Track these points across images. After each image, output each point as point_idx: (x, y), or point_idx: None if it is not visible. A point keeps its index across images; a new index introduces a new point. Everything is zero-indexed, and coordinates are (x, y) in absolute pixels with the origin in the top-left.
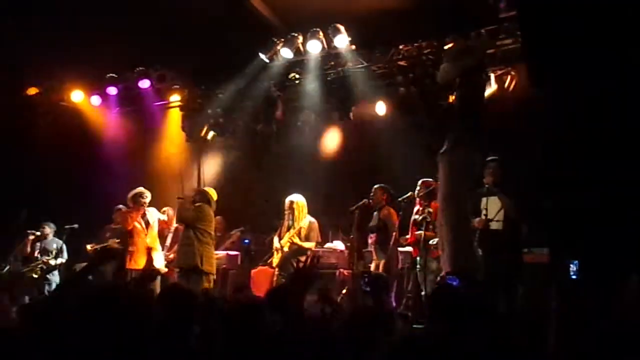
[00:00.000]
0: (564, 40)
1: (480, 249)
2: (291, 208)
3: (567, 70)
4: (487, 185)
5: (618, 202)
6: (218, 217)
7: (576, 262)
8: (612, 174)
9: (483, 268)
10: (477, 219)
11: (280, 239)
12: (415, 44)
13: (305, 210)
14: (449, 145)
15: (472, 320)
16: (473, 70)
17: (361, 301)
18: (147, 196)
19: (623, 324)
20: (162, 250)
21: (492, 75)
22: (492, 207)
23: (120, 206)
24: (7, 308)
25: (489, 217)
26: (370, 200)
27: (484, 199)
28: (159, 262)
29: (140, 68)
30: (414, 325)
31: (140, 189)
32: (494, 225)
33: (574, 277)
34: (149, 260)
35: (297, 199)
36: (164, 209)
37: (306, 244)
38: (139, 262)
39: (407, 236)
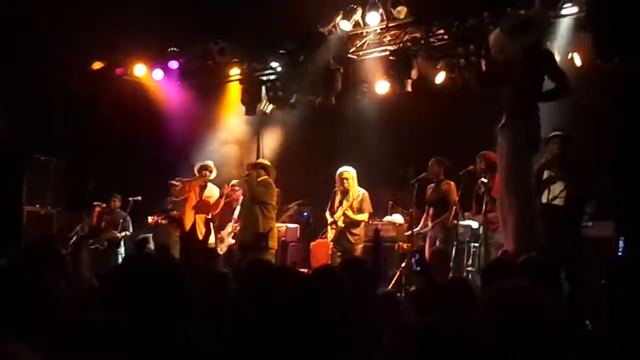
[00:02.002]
0: (630, 11)
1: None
2: (342, 180)
3: (634, 42)
4: (548, 159)
5: None
6: (276, 190)
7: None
8: None
9: (545, 246)
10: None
11: (332, 212)
12: (476, 16)
13: (356, 180)
14: (508, 118)
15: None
16: (534, 46)
17: (413, 281)
18: (212, 170)
19: None
20: (231, 222)
21: (556, 45)
22: (555, 184)
23: (175, 180)
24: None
25: (551, 193)
26: (433, 172)
27: (546, 173)
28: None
29: (201, 43)
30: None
31: (208, 162)
32: (556, 202)
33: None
34: (207, 233)
35: (347, 170)
36: (233, 181)
37: (359, 217)
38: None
39: (470, 212)
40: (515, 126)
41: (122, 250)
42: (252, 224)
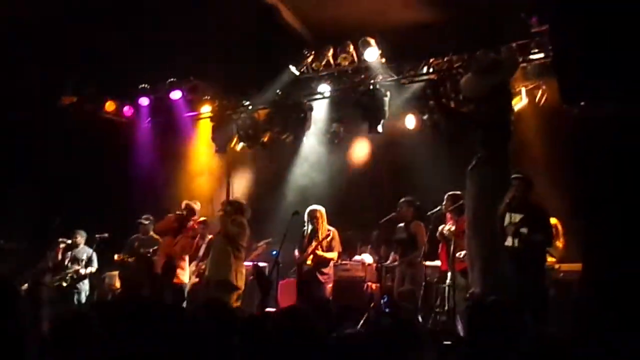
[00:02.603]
0: (596, 57)
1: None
2: (311, 218)
3: (598, 87)
4: (509, 202)
5: None
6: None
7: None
8: None
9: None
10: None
11: (300, 251)
12: (446, 58)
13: (325, 219)
14: (478, 160)
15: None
16: (502, 86)
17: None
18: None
19: None
20: (195, 260)
21: (523, 89)
22: (517, 227)
23: (144, 218)
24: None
25: (514, 236)
26: (404, 212)
27: (507, 216)
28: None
29: (172, 79)
30: (444, 342)
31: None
32: (518, 245)
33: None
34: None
35: (317, 208)
36: (201, 218)
37: (328, 255)
38: None
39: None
40: (484, 168)
41: (86, 287)
42: (223, 263)
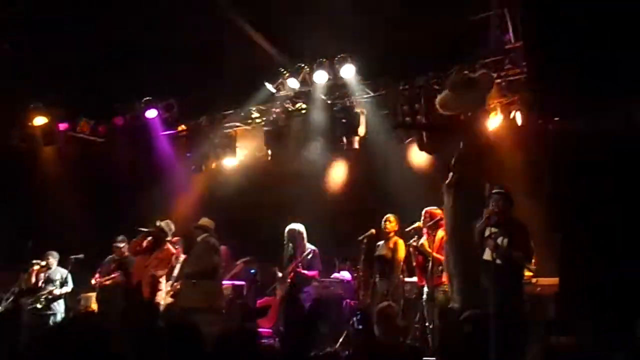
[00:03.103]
0: (570, 73)
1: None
2: (292, 237)
3: (572, 103)
4: (488, 216)
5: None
6: (223, 247)
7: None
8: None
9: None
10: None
11: (281, 269)
12: (422, 75)
13: (305, 238)
14: (455, 176)
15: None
16: (477, 104)
17: (353, 338)
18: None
19: None
20: (170, 280)
21: (498, 105)
22: (496, 241)
23: (119, 240)
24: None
25: (493, 251)
26: (383, 229)
27: (487, 230)
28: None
29: (148, 98)
30: (425, 358)
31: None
32: (497, 260)
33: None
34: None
35: (297, 227)
36: (175, 238)
37: (309, 273)
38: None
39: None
40: (461, 184)
41: (61, 308)
42: (195, 285)
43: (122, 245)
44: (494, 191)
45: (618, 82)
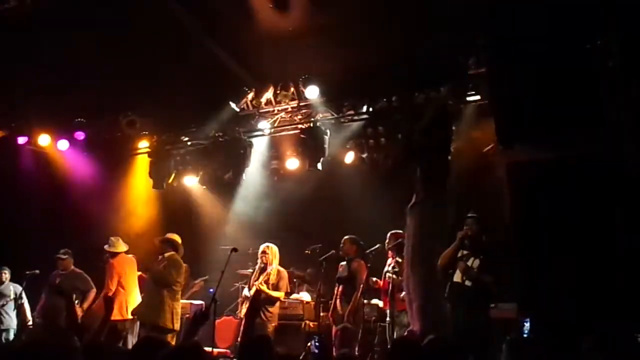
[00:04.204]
0: (532, 101)
1: (450, 303)
2: (264, 254)
3: (534, 130)
4: (462, 238)
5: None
6: (184, 265)
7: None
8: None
9: (452, 323)
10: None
11: (249, 287)
12: (385, 98)
13: (277, 258)
14: (418, 198)
15: None
16: (436, 124)
17: None
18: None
19: None
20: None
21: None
22: (467, 264)
23: (63, 252)
24: None
25: (463, 273)
26: (340, 252)
27: (460, 253)
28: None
29: (110, 113)
30: None
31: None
32: (466, 282)
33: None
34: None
35: (268, 245)
36: (130, 255)
37: (275, 293)
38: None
39: (377, 279)
40: (424, 206)
41: (14, 324)
42: (154, 304)
43: (65, 257)
44: (468, 215)
45: (575, 111)
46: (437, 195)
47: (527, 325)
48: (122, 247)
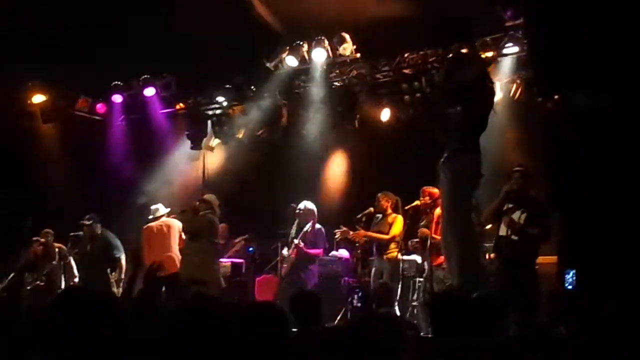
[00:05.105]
0: (571, 49)
1: (496, 257)
2: (299, 214)
3: (573, 80)
4: (507, 192)
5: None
6: (223, 225)
7: (573, 271)
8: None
9: (498, 278)
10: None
11: (288, 247)
12: (421, 52)
13: (314, 216)
14: (450, 153)
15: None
16: (475, 80)
17: (351, 316)
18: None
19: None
20: None
21: (498, 83)
22: (513, 218)
23: (87, 217)
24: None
25: (509, 227)
26: (375, 208)
27: (505, 207)
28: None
29: (146, 76)
30: (422, 334)
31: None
32: (513, 237)
33: (569, 287)
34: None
35: (305, 205)
36: (171, 216)
37: (313, 251)
38: None
39: (415, 240)
40: (456, 162)
41: (62, 284)
42: (192, 257)
43: (89, 222)
44: (514, 169)
45: (617, 56)
46: (471, 149)
47: (570, 277)
48: (163, 210)
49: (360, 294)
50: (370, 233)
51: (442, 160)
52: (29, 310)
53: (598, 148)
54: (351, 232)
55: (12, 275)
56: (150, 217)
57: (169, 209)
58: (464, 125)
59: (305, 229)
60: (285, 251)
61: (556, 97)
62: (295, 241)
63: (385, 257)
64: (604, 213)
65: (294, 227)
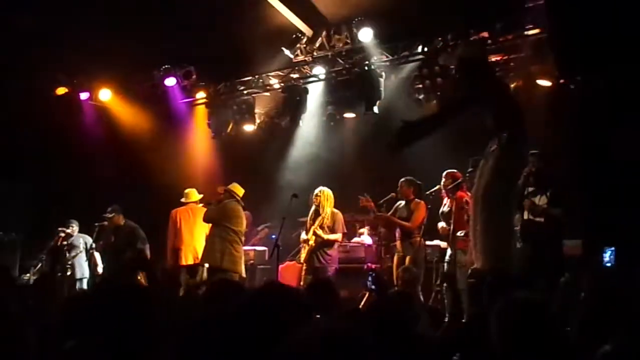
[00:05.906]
0: (593, 30)
1: (523, 241)
2: (317, 198)
3: (595, 60)
4: (527, 176)
5: None
6: (246, 213)
7: (612, 249)
8: None
9: (525, 261)
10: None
11: (307, 232)
12: (440, 37)
13: (330, 201)
14: (502, 142)
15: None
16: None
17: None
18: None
19: None
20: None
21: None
22: (535, 201)
23: (109, 210)
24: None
25: (532, 210)
26: (397, 194)
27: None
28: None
29: (166, 66)
30: (445, 320)
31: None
32: (538, 219)
33: (608, 264)
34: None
35: (321, 189)
36: (200, 205)
37: (331, 237)
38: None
39: (443, 224)
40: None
41: (87, 273)
42: (211, 244)
43: (111, 215)
44: (531, 152)
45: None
46: (520, 136)
47: (609, 255)
48: (195, 196)
49: (373, 276)
50: (394, 219)
51: (491, 149)
52: (61, 299)
53: (621, 129)
54: (375, 210)
55: (39, 265)
56: (182, 199)
57: (201, 196)
58: (500, 114)
59: (322, 215)
60: (303, 235)
61: (579, 78)
62: (313, 227)
63: (408, 242)
64: (630, 194)
65: (311, 213)
